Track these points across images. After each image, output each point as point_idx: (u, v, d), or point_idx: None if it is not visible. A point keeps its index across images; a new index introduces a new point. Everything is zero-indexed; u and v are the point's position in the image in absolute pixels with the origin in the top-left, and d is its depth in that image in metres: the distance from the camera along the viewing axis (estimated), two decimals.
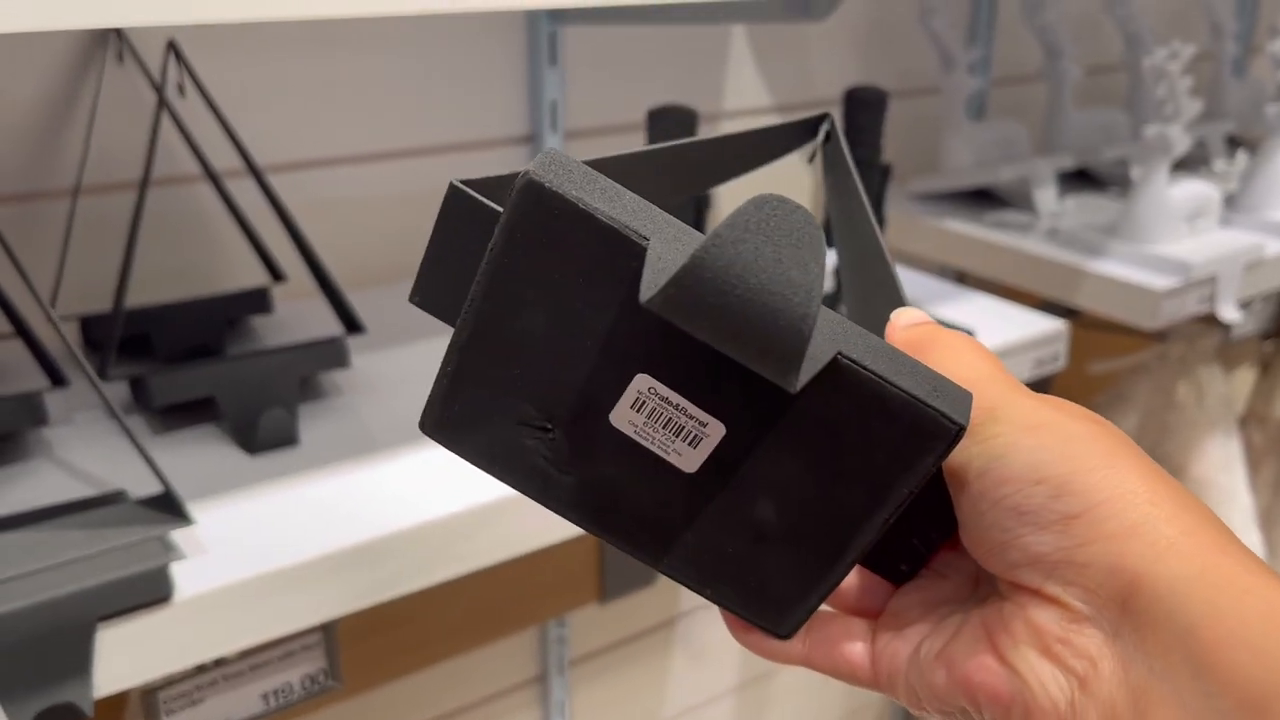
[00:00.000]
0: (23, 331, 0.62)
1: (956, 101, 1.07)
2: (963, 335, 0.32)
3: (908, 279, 0.94)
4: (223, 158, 0.73)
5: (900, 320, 0.32)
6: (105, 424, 0.64)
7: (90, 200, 0.74)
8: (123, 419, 0.49)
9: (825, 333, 0.28)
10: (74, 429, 0.63)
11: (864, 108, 0.74)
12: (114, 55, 0.71)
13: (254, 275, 0.79)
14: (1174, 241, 0.94)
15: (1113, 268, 0.92)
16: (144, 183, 0.65)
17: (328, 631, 0.56)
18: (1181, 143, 0.92)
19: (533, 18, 0.89)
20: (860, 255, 0.37)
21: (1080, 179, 1.15)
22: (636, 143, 0.95)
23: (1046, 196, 1.03)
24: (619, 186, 0.28)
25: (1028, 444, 0.29)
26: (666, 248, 0.27)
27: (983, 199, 1.09)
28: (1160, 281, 0.89)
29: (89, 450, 0.60)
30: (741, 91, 1.05)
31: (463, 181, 0.29)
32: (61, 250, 0.70)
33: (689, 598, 1.19)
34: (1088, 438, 0.29)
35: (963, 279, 1.10)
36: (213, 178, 0.72)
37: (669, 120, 0.65)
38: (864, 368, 0.28)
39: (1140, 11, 1.16)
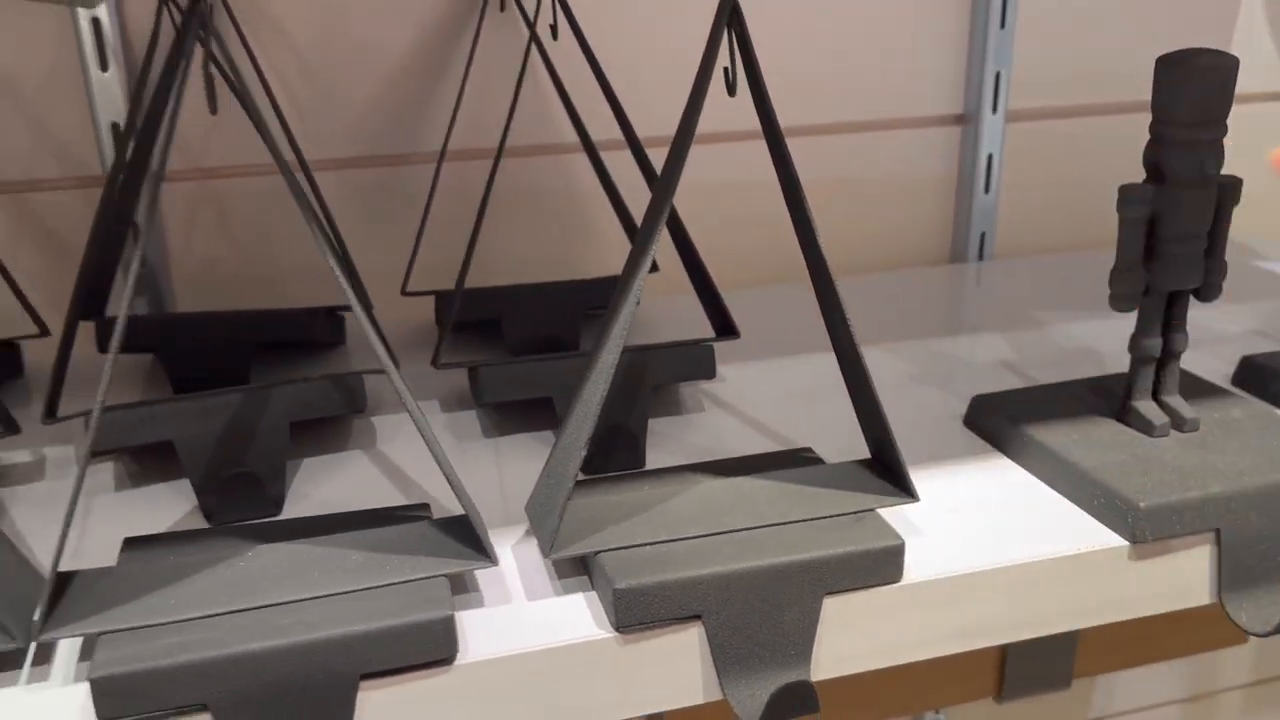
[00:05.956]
0: (365, 305, 0.55)
1: None
2: None
3: None
4: (601, 128, 0.62)
5: None
6: (438, 416, 0.56)
7: (455, 167, 0.67)
8: (422, 421, 0.39)
9: None
10: (406, 418, 0.55)
11: None
12: (495, 1, 0.63)
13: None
14: None
15: None
16: (504, 137, 0.56)
17: None
18: None
19: None
20: None
21: None
22: (1090, 133, 0.75)
23: None
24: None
25: None
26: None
27: None
28: None
29: (411, 446, 0.52)
30: (1253, 68, 0.81)
31: None
32: (421, 219, 0.63)
33: (1106, 704, 0.96)
34: None
35: None
36: (588, 145, 0.62)
37: (1193, 68, 0.44)
38: None
39: None
